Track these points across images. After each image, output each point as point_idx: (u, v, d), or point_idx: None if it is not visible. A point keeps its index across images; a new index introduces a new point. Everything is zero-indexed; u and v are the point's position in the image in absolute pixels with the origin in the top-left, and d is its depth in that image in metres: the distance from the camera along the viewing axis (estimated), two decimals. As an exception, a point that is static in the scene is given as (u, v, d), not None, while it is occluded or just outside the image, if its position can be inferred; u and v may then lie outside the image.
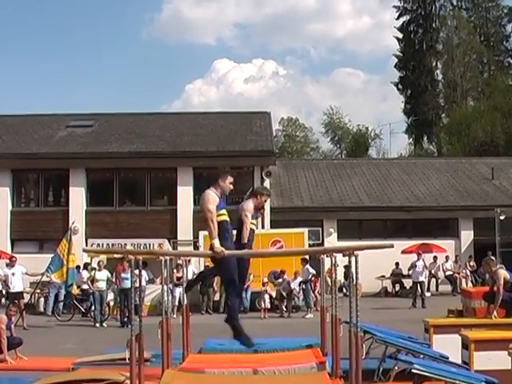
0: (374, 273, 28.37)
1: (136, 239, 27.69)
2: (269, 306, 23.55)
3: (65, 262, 20.83)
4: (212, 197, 8.66)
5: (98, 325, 21.12)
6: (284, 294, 24.05)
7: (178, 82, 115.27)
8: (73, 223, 25.33)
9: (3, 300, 23.14)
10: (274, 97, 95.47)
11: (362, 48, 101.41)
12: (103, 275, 22.08)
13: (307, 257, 23.67)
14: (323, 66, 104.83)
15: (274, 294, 24.48)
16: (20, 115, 36.13)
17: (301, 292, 24.41)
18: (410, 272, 27.08)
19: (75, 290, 22.86)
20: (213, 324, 20.75)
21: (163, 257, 10.62)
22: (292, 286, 24.10)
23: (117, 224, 29.51)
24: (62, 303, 23.84)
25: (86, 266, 25.02)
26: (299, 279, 24.14)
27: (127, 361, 8.50)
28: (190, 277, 15.16)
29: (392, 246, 8.88)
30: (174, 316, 19.12)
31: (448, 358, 10.13)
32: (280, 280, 24.20)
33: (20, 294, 20.86)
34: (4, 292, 22.76)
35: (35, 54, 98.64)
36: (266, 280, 24.30)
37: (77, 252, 21.43)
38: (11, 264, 21.12)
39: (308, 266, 23.89)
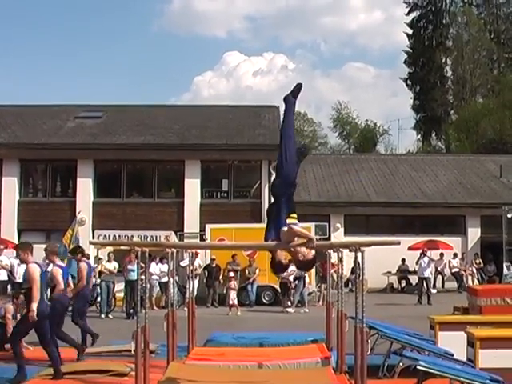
0: (381, 268, 28.31)
1: (143, 231, 27.70)
2: (236, 302, 22.96)
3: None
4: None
5: (103, 316, 21.16)
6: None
7: (188, 74, 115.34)
8: (79, 213, 25.18)
9: (9, 289, 23.18)
10: (283, 90, 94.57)
11: (373, 43, 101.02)
12: (110, 266, 22.12)
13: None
14: (333, 60, 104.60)
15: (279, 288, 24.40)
16: (29, 105, 36.18)
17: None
18: (417, 267, 27.07)
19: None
20: (218, 317, 20.86)
21: (170, 249, 10.66)
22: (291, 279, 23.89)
23: (124, 216, 29.51)
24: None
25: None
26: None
27: (132, 352, 8.54)
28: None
29: (398, 243, 8.84)
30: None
31: (453, 356, 10.12)
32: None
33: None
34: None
35: (45, 44, 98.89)
36: (232, 274, 23.63)
37: (83, 243, 21.38)
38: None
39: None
